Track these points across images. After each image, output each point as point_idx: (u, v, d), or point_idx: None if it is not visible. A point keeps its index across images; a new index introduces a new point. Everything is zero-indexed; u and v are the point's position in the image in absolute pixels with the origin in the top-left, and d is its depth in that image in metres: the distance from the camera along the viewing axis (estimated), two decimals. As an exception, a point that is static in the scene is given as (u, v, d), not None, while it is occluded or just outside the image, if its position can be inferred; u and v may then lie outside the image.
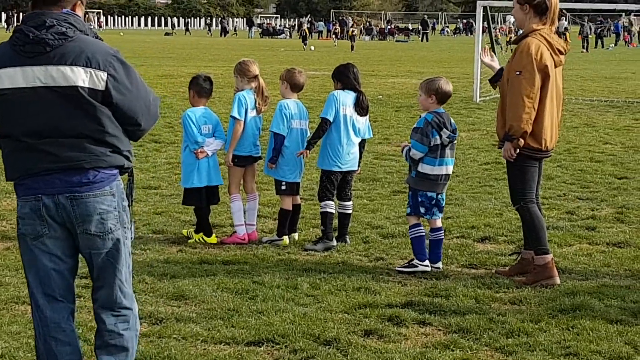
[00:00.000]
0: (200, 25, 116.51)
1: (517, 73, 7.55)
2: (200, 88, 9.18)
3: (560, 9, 8.30)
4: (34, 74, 4.51)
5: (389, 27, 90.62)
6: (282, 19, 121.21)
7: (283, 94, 9.23)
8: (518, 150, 7.62)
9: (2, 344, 6.09)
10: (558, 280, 7.68)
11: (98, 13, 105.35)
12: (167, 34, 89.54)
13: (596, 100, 24.37)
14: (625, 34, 72.85)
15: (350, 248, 8.88)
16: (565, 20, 60.24)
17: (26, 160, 4.59)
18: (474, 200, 11.21)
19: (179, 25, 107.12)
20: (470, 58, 29.24)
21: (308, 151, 9.05)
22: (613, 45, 66.30)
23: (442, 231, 8.30)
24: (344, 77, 9.04)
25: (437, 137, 8.01)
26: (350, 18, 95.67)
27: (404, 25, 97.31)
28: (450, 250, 8.69)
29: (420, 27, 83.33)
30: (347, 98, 8.96)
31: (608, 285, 7.66)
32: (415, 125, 8.15)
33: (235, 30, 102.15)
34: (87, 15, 5.51)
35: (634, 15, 75.72)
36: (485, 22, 25.45)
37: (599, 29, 69.66)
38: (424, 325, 6.65)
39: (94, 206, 4.63)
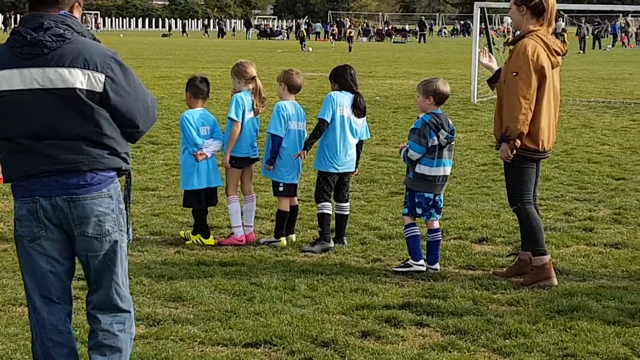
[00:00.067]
0: (197, 27, 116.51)
1: (514, 74, 7.55)
2: (197, 90, 9.18)
3: (558, 10, 8.30)
4: (32, 76, 4.50)
5: (386, 28, 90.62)
6: (280, 20, 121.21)
7: (280, 96, 9.23)
8: (515, 152, 7.62)
9: (0, 346, 6.09)
10: (555, 282, 7.68)
11: (95, 14, 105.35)
12: (164, 35, 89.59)
13: (594, 101, 24.39)
14: (623, 35, 72.90)
15: (348, 249, 8.88)
16: (563, 21, 60.25)
17: (24, 162, 4.58)
18: (471, 201, 11.21)
19: (176, 27, 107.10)
20: (468, 59, 29.25)
21: (305, 152, 9.05)
22: (610, 46, 66.35)
23: (440, 232, 8.30)
24: (341, 78, 9.04)
25: (435, 138, 8.01)
26: (347, 19, 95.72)
27: (401, 27, 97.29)
28: (447, 252, 8.69)
29: (417, 28, 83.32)
30: (344, 99, 8.96)
31: (605, 286, 7.66)
32: (412, 126, 8.16)
33: (234, 30, 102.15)
34: (84, 17, 5.49)
35: (632, 16, 75.81)
36: (483, 24, 25.46)
37: (597, 30, 69.70)
38: (422, 326, 6.64)
39: (91, 208, 4.62)
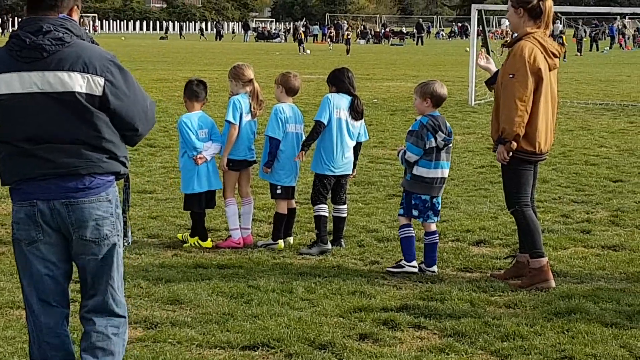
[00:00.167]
0: (195, 30, 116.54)
1: (510, 76, 7.56)
2: (194, 93, 9.18)
3: (555, 13, 8.31)
4: (31, 79, 4.50)
5: (384, 30, 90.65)
6: (277, 23, 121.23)
7: (278, 98, 9.23)
8: (511, 153, 7.62)
9: (-3, 349, 6.09)
10: (553, 284, 7.68)
11: (93, 17, 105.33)
12: (162, 38, 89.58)
13: (591, 103, 24.41)
14: (620, 37, 72.95)
15: (346, 252, 8.88)
16: (560, 24, 60.30)
17: (23, 166, 4.58)
18: (469, 203, 11.21)
19: (173, 30, 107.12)
20: (466, 61, 29.27)
21: (304, 153, 9.04)
22: (608, 48, 66.39)
23: (437, 235, 8.30)
24: (339, 81, 9.04)
25: (432, 139, 8.02)
26: (345, 22, 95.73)
27: (399, 29, 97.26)
28: (445, 254, 8.69)
29: (415, 30, 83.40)
30: (341, 101, 8.96)
31: (603, 288, 7.66)
32: (410, 128, 8.17)
33: (233, 32, 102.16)
34: (82, 20, 5.43)
35: (629, 18, 75.87)
36: (480, 26, 25.47)
37: (594, 32, 69.75)
38: (419, 329, 6.64)
39: (89, 212, 4.62)
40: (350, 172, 9.20)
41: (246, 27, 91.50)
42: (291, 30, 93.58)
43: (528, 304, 7.22)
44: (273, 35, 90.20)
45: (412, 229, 8.21)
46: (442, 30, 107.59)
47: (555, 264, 8.34)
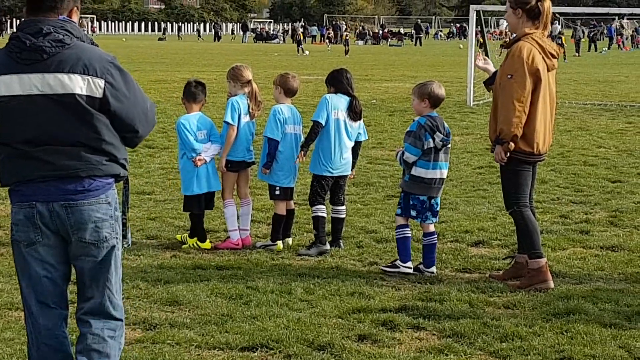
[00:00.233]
0: (193, 31, 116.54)
1: (509, 77, 7.56)
2: (192, 94, 9.18)
3: (554, 13, 8.31)
4: (31, 81, 4.49)
5: (382, 31, 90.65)
6: (276, 24, 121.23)
7: (277, 99, 9.23)
8: (509, 154, 7.62)
9: (-4, 350, 6.08)
10: (552, 284, 7.68)
11: (91, 18, 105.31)
12: (160, 39, 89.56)
13: (590, 103, 24.42)
14: (619, 37, 73.00)
15: (344, 253, 8.88)
16: (559, 24, 60.32)
17: (22, 167, 4.57)
18: (467, 204, 11.21)
19: (172, 31, 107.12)
20: (464, 62, 29.26)
21: (303, 154, 9.02)
22: (606, 49, 66.43)
23: (435, 235, 8.30)
24: (338, 82, 9.04)
25: (430, 140, 8.02)
26: (343, 22, 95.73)
27: (397, 30, 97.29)
28: (444, 255, 8.69)
29: (413, 31, 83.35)
30: (339, 102, 8.96)
31: (602, 288, 7.66)
32: (408, 129, 8.17)
33: (233, 33, 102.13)
34: (80, 21, 5.42)
35: (627, 19, 75.89)
36: (478, 27, 25.47)
37: (592, 33, 69.78)
38: (418, 329, 6.64)
39: (88, 214, 4.61)
40: (349, 173, 9.19)
41: (245, 28, 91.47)
42: (289, 31, 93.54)
43: (527, 304, 7.22)
44: (271, 36, 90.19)
45: (408, 229, 8.21)
46: (441, 31, 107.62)
47: (554, 265, 8.34)
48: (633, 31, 77.83)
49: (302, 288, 7.56)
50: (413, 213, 8.15)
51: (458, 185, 12.53)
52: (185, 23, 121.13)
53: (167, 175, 12.97)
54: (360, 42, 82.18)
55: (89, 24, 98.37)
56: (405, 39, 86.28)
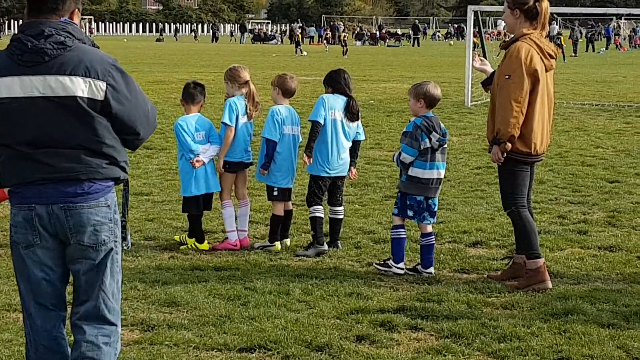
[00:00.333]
0: (191, 32, 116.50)
1: (506, 77, 7.56)
2: (191, 95, 9.18)
3: (551, 14, 8.32)
4: (32, 83, 4.48)
5: (380, 32, 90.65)
6: (273, 25, 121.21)
7: (275, 100, 9.23)
8: (506, 154, 7.63)
9: (-6, 352, 6.08)
10: (550, 285, 7.68)
11: (89, 19, 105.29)
12: (158, 39, 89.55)
13: (587, 104, 24.43)
14: (616, 37, 73.05)
15: (342, 253, 8.87)
16: (557, 25, 60.36)
17: (22, 169, 4.56)
18: (465, 204, 11.22)
19: (169, 32, 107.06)
20: (462, 62, 29.27)
21: (307, 156, 8.92)
22: (604, 49, 66.47)
23: (433, 236, 8.30)
24: (335, 82, 9.04)
25: (427, 140, 8.02)
26: (341, 23, 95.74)
27: (395, 30, 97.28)
28: (442, 255, 8.70)
29: (411, 31, 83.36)
30: (336, 102, 8.96)
31: (600, 289, 7.67)
32: (404, 130, 8.17)
33: (231, 34, 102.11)
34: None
35: (624, 19, 75.96)
36: (476, 27, 25.47)
37: (590, 33, 69.81)
38: (416, 330, 6.65)
39: (87, 217, 4.60)
40: (346, 174, 9.19)
41: (242, 29, 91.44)
42: (287, 32, 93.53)
43: (525, 305, 7.22)
44: (269, 37, 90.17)
45: (404, 231, 8.21)
46: (439, 31, 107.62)
47: (551, 265, 8.35)
48: (631, 31, 77.89)
49: (300, 289, 7.56)
50: (410, 213, 8.16)
51: (456, 185, 12.54)
52: (183, 24, 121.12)
53: (165, 176, 12.96)
54: (358, 43, 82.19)
55: (87, 25, 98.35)
56: (402, 39, 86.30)
